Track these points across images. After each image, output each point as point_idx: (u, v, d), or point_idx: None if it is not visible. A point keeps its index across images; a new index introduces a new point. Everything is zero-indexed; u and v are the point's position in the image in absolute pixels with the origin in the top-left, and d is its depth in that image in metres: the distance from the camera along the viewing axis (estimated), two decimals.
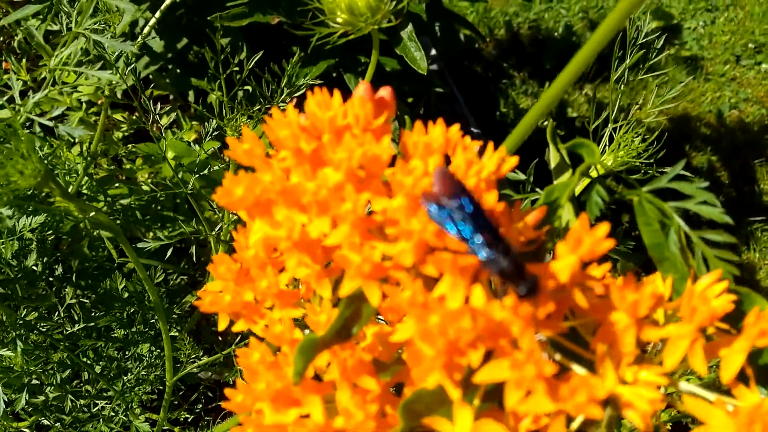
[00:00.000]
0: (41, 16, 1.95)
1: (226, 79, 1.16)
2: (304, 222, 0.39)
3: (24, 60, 2.14)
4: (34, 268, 0.89)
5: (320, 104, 0.39)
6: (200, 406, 1.24)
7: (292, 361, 0.40)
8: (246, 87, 0.89)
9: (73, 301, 0.93)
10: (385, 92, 0.42)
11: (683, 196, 0.48)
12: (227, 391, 0.46)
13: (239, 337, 1.06)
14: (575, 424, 0.42)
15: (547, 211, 0.44)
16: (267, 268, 0.43)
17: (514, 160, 0.41)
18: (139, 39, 1.34)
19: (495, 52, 2.90)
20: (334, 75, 1.73)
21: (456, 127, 0.39)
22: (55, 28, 2.19)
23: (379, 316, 0.46)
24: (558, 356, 0.38)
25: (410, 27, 1.35)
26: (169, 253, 1.38)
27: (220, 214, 1.50)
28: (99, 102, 2.12)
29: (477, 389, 0.39)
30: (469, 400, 0.38)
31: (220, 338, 1.12)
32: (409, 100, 2.18)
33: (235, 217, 1.20)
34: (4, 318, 0.89)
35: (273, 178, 0.38)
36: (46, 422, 0.98)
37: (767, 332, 0.38)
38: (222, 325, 0.49)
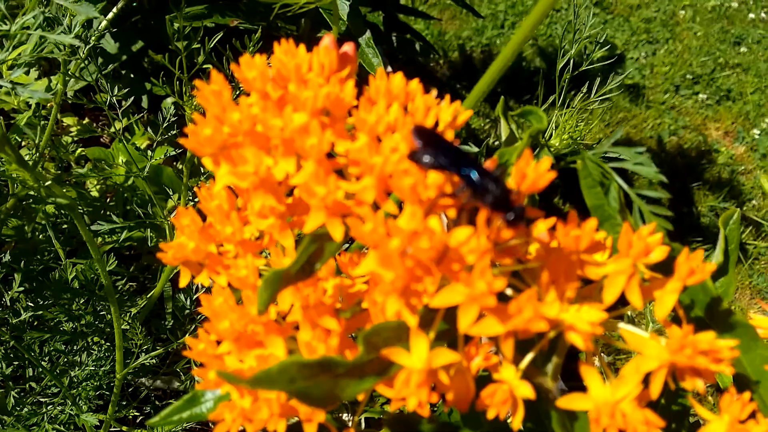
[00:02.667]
0: None
1: (186, 64, 1.17)
2: (270, 164, 0.41)
3: None
4: None
5: (287, 52, 0.41)
6: (148, 408, 1.21)
7: (256, 301, 0.41)
8: (206, 66, 0.91)
9: (21, 289, 0.91)
10: (348, 47, 0.45)
11: (622, 163, 0.53)
12: (189, 340, 0.47)
13: (192, 328, 1.05)
14: (523, 363, 0.45)
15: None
16: (231, 215, 0.45)
17: (468, 113, 0.44)
18: (93, 38, 1.33)
19: (449, 73, 2.99)
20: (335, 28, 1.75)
21: (416, 80, 0.42)
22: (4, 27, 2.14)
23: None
24: (510, 291, 0.41)
25: (368, 34, 1.39)
26: (113, 262, 1.36)
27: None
28: (48, 105, 2.08)
29: (432, 324, 0.41)
30: (425, 333, 0.40)
31: (170, 336, 1.10)
32: None
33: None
34: None
35: (241, 117, 0.40)
36: None
37: (696, 271, 0.42)
38: (184, 281, 0.50)
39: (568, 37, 3.65)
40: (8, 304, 0.97)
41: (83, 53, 1.33)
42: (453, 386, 0.41)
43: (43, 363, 1.00)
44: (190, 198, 1.52)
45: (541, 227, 0.43)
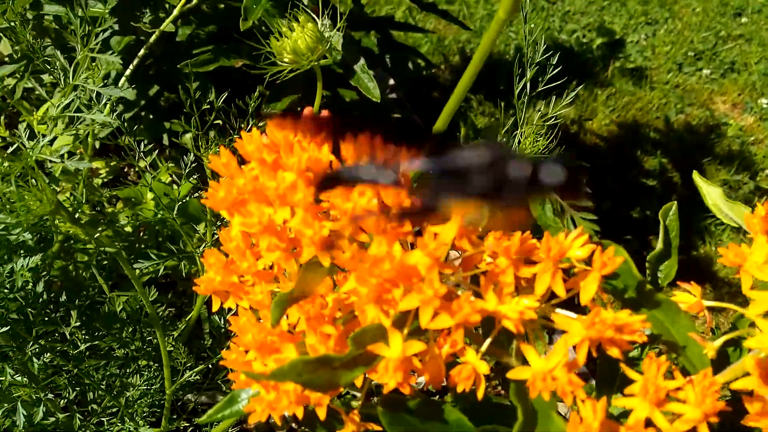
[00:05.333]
0: (17, 75, 2.11)
1: (198, 117, 1.32)
2: (271, 213, 0.55)
3: (1, 116, 2.27)
4: (44, 296, 1.02)
5: (277, 126, 0.55)
6: (197, 420, 1.36)
7: (270, 318, 0.55)
8: (217, 122, 1.05)
9: (78, 323, 1.06)
10: (324, 112, 0.58)
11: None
12: (224, 353, 0.61)
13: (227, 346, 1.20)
14: (483, 347, 0.58)
15: None
16: (246, 252, 0.58)
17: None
18: (118, 88, 1.49)
19: (451, 77, 3.10)
20: (299, 108, 1.90)
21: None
22: (29, 85, 2.33)
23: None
24: (460, 292, 0.54)
25: (362, 61, 1.53)
26: (154, 292, 1.52)
27: (207, 244, 1.64)
28: (78, 152, 2.26)
29: (406, 323, 0.54)
30: (400, 331, 0.54)
31: (209, 353, 1.25)
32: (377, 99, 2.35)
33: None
34: (16, 343, 1.03)
35: (245, 181, 0.54)
36: None
37: (607, 264, 0.54)
38: (215, 307, 0.64)
39: (566, 28, 3.73)
40: (68, 337, 1.12)
41: (109, 107, 1.49)
42: (427, 369, 0.54)
43: (101, 386, 1.15)
44: (215, 224, 1.68)
45: (490, 239, 0.56)
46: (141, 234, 2.12)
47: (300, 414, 0.56)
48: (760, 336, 0.52)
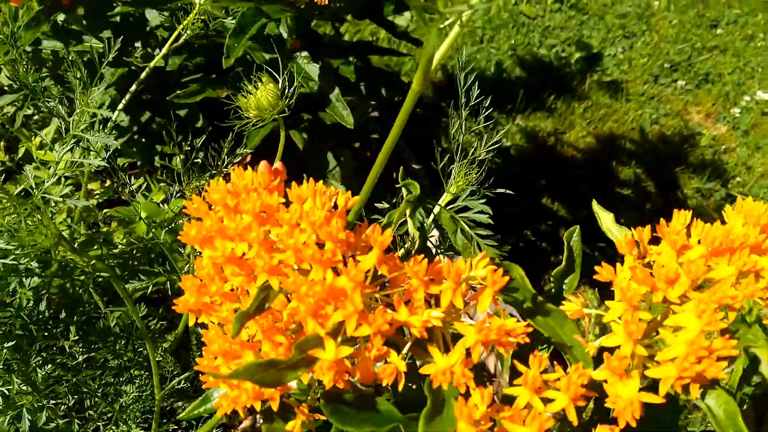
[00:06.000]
0: (17, 103, 2.27)
1: (186, 142, 1.48)
2: (233, 247, 0.70)
3: (1, 142, 2.43)
4: (45, 313, 1.18)
5: (239, 176, 0.70)
6: (185, 423, 1.51)
7: (232, 330, 0.70)
8: (202, 152, 1.21)
9: (76, 337, 1.22)
10: (278, 164, 0.74)
11: (473, 209, 0.81)
12: (198, 359, 0.77)
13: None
14: (403, 351, 0.74)
15: (384, 225, 0.75)
16: (215, 279, 0.74)
17: (356, 199, 0.72)
18: (111, 122, 1.65)
19: (433, 95, 3.26)
20: (282, 132, 2.06)
21: (320, 183, 0.71)
22: (28, 112, 2.50)
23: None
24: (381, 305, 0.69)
25: (337, 90, 1.69)
26: (143, 309, 1.68)
27: (191, 265, 1.80)
28: (74, 174, 2.42)
29: (338, 334, 0.69)
30: (335, 339, 0.69)
31: (193, 362, 1.41)
32: (356, 145, 2.52)
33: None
34: (20, 356, 1.18)
35: (212, 223, 0.69)
36: None
37: (497, 281, 0.70)
38: (191, 321, 0.80)
39: (546, 43, 3.90)
40: (67, 350, 1.28)
41: (104, 133, 1.65)
42: (359, 369, 0.70)
43: (97, 394, 1.30)
44: None
45: (410, 263, 0.72)
46: (134, 252, 2.28)
47: (258, 407, 0.71)
48: (612, 336, 0.68)
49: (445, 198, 0.92)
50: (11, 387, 1.13)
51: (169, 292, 1.34)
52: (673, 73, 3.78)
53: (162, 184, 2.59)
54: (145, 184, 2.36)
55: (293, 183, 0.71)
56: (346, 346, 0.68)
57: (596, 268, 0.74)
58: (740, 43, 4.00)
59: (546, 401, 0.69)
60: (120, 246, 2.27)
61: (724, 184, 3.29)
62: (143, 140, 2.27)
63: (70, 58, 1.50)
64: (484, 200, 0.81)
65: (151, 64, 1.66)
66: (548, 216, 2.99)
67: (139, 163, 2.64)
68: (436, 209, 0.94)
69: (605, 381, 0.67)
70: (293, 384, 0.79)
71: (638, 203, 3.16)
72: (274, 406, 0.71)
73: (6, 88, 2.23)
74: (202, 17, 1.57)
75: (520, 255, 2.80)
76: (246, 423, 1.79)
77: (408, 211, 0.76)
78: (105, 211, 2.35)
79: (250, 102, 0.90)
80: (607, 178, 3.21)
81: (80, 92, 1.11)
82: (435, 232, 1.27)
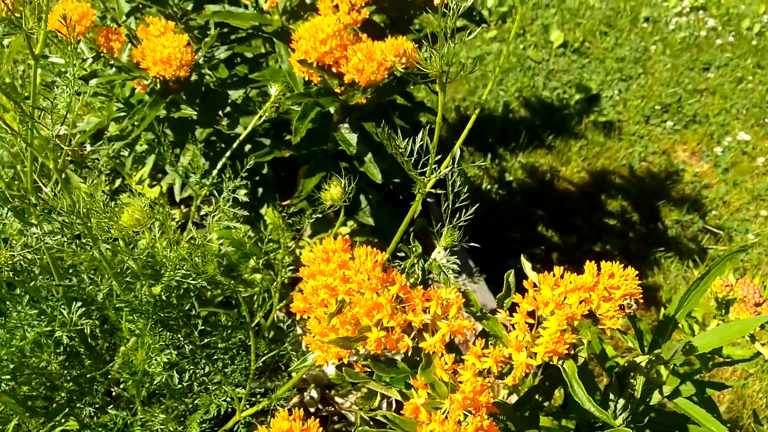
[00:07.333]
0: (126, 148, 3.07)
1: (253, 184, 2.30)
2: (324, 279, 1.48)
3: (102, 176, 3.22)
4: (186, 308, 1.98)
5: (328, 243, 1.49)
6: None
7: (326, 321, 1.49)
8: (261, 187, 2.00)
9: (202, 327, 2.02)
10: (347, 236, 1.51)
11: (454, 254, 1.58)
12: (305, 338, 1.56)
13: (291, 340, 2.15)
14: (412, 335, 1.52)
15: (401, 269, 1.53)
16: (314, 295, 1.52)
17: (385, 256, 1.50)
18: (201, 168, 2.45)
19: (446, 134, 4.04)
20: (342, 214, 2.86)
21: (369, 247, 1.49)
22: (125, 153, 3.24)
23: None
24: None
25: (369, 155, 2.48)
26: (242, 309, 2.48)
27: (260, 275, 2.60)
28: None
29: (378, 326, 1.48)
30: (377, 328, 1.47)
31: (275, 344, 2.21)
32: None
33: (286, 279, 2.28)
34: (167, 339, 1.98)
35: (309, 271, 1.48)
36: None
37: (458, 302, 1.47)
38: (297, 316, 1.59)
39: (549, 85, 4.68)
40: (194, 335, 2.08)
41: (197, 177, 2.45)
42: (388, 344, 1.48)
43: (211, 365, 2.11)
44: (262, 258, 2.64)
45: (415, 291, 1.49)
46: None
47: (336, 362, 1.49)
48: (515, 331, 1.44)
49: (437, 250, 1.69)
50: (169, 357, 1.94)
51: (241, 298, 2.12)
52: (664, 114, 4.51)
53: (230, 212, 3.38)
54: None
55: (356, 248, 1.48)
56: (382, 332, 1.45)
57: (513, 294, 1.52)
58: (729, 85, 4.71)
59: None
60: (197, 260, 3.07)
61: (701, 216, 4.01)
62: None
63: (173, 123, 2.32)
64: (458, 249, 1.58)
65: (242, 137, 2.46)
66: (543, 242, 3.75)
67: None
68: (433, 254, 1.71)
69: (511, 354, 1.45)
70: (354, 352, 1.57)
71: (624, 232, 3.90)
72: (345, 360, 1.49)
73: (115, 134, 3.05)
74: (276, 104, 2.35)
75: (517, 274, 3.56)
76: (295, 399, 2.63)
77: (415, 261, 1.53)
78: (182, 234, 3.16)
79: (326, 196, 1.67)
80: (596, 209, 3.96)
81: (167, 146, 1.91)
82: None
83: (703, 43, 4.96)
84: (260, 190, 2.95)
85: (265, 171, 2.76)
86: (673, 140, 4.34)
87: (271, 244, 2.95)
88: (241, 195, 3.08)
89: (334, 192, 1.65)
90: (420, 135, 1.39)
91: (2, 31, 2.88)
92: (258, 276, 2.93)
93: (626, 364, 1.59)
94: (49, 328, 1.74)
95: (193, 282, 1.75)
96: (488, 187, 3.88)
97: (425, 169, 1.48)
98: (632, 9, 5.16)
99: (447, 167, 1.46)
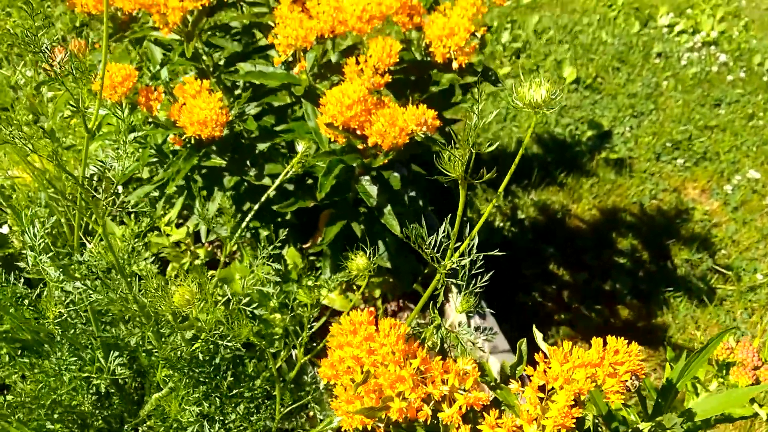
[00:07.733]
0: (156, 192, 3.21)
1: (275, 230, 2.44)
2: (351, 351, 1.62)
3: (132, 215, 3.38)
4: (216, 360, 2.12)
5: (355, 315, 1.63)
6: None
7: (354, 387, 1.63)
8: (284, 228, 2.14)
9: (231, 379, 2.16)
10: (372, 309, 1.65)
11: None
12: (332, 404, 1.70)
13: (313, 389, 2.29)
14: (430, 404, 1.66)
15: (421, 340, 1.67)
16: (341, 363, 1.65)
17: (407, 329, 1.64)
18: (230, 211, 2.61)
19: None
20: (364, 282, 3.00)
21: (393, 319, 1.62)
22: (155, 194, 3.40)
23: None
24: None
25: (389, 207, 2.62)
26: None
27: (280, 316, 2.75)
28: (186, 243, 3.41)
29: (400, 396, 1.61)
30: (399, 399, 1.61)
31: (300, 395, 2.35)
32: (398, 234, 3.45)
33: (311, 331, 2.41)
34: (201, 393, 2.13)
35: (341, 340, 1.61)
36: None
37: (474, 373, 1.60)
38: (324, 381, 1.72)
39: (561, 122, 4.81)
40: (221, 386, 2.22)
41: (220, 223, 2.60)
42: (409, 412, 1.61)
43: (238, 413, 2.25)
44: (282, 300, 2.78)
45: (434, 363, 1.63)
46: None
47: (361, 428, 1.63)
48: (525, 404, 1.58)
49: (454, 317, 1.81)
50: (202, 408, 2.08)
51: (257, 339, 2.27)
52: (675, 151, 4.62)
53: (248, 249, 3.54)
54: (236, 251, 3.32)
55: (380, 320, 1.62)
56: (404, 402, 1.59)
57: (526, 368, 1.65)
58: (740, 121, 4.82)
59: None
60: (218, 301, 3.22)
61: (711, 255, 4.11)
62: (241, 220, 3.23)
63: (202, 171, 2.48)
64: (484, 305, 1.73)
65: (269, 191, 2.61)
66: (554, 280, 3.87)
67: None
68: (450, 320, 1.84)
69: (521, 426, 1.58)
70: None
71: (633, 270, 4.02)
72: (368, 427, 1.62)
73: (146, 178, 3.21)
74: (301, 161, 2.50)
75: (529, 312, 3.68)
76: None
77: (434, 331, 1.67)
78: (210, 272, 3.32)
79: (352, 265, 1.81)
80: (607, 247, 4.07)
81: (197, 191, 2.06)
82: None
83: (715, 79, 5.07)
84: (281, 232, 3.10)
85: (288, 217, 2.91)
86: (684, 178, 4.45)
87: (290, 284, 3.10)
88: (263, 238, 3.20)
89: (359, 263, 1.80)
90: (442, 226, 1.53)
91: (47, 89, 3.05)
92: (278, 316, 3.07)
93: (630, 431, 1.71)
94: (85, 375, 1.89)
95: (228, 343, 1.90)
96: (500, 224, 4.01)
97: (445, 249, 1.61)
98: (644, 44, 5.28)
99: (462, 255, 1.60)
